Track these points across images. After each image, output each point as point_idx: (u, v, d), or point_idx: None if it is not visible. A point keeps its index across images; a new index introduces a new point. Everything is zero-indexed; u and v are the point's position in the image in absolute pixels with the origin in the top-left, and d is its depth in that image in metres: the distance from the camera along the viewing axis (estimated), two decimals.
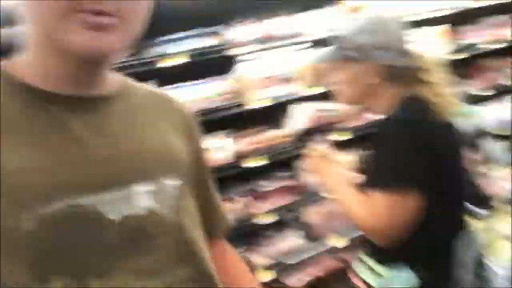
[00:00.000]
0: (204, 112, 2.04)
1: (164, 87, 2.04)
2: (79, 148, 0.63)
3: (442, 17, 2.57)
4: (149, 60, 2.00)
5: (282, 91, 2.22)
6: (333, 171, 1.41)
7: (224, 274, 0.82)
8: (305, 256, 2.25)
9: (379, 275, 1.32)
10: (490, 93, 2.75)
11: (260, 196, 2.23)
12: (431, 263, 1.28)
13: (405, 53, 1.32)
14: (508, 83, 2.81)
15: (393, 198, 1.19)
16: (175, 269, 0.69)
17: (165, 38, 2.08)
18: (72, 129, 0.63)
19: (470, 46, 2.66)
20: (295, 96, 2.23)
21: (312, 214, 2.31)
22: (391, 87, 1.32)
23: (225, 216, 0.90)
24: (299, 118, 2.26)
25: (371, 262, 1.34)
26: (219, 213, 0.89)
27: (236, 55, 2.16)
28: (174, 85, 2.08)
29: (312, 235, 2.30)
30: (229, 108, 2.13)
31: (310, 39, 2.28)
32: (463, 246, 1.33)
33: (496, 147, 2.90)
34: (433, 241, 1.28)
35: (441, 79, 1.32)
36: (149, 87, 0.81)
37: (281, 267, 2.15)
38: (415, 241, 1.24)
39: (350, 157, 1.60)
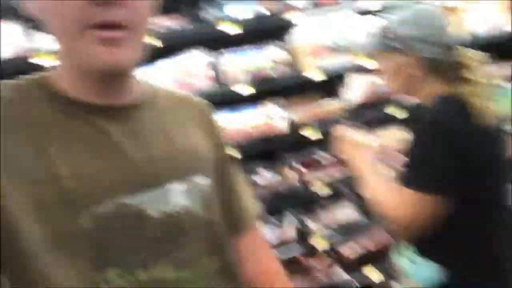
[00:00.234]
0: (260, 81, 2.05)
1: (220, 51, 2.08)
2: (120, 153, 0.69)
3: None
4: (206, 24, 2.01)
5: (339, 61, 2.19)
6: (364, 158, 1.43)
7: (253, 263, 0.89)
8: (359, 228, 2.25)
9: (413, 261, 1.37)
10: None
11: (316, 166, 2.23)
12: (462, 263, 1.30)
13: (448, 48, 1.32)
14: None
15: (422, 198, 1.23)
16: (206, 261, 0.76)
17: (218, 4, 2.08)
18: (111, 136, 0.69)
19: None
20: (352, 67, 2.20)
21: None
22: (434, 80, 1.34)
23: (252, 206, 0.94)
24: (356, 90, 2.25)
25: (410, 249, 1.38)
26: (246, 204, 0.92)
27: (293, 21, 2.14)
28: (230, 50, 2.10)
29: (366, 209, 2.28)
30: (285, 76, 2.12)
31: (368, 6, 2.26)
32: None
33: None
34: (467, 243, 1.30)
35: (484, 78, 1.31)
36: (173, 90, 0.87)
37: (336, 237, 2.13)
38: (449, 241, 1.30)
39: (377, 142, 1.55)
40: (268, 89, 2.12)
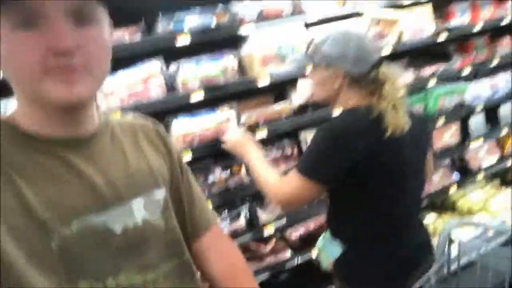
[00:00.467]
0: (213, 88, 2.19)
1: (169, 64, 2.21)
2: (83, 180, 0.79)
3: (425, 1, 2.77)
4: (156, 37, 2.13)
5: (286, 68, 2.33)
6: (252, 149, 1.85)
7: (219, 260, 1.04)
8: (304, 213, 2.48)
9: (325, 239, 1.75)
10: (471, 71, 2.97)
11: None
12: (356, 239, 1.65)
13: (367, 65, 1.54)
14: (488, 60, 3.04)
15: (302, 182, 1.51)
16: (166, 263, 0.89)
17: (171, 15, 2.18)
18: (74, 165, 0.79)
19: (454, 27, 2.85)
20: (298, 73, 2.32)
21: None
22: (353, 94, 1.58)
23: (211, 211, 1.10)
24: (302, 93, 2.45)
25: (328, 231, 1.74)
26: (205, 209, 1.07)
27: (242, 32, 2.27)
28: (179, 61, 2.20)
29: None
30: (236, 83, 2.26)
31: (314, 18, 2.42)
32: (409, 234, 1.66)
33: (478, 121, 3.15)
34: (359, 224, 1.64)
35: (396, 93, 1.54)
36: (124, 116, 0.98)
37: (283, 222, 2.37)
38: (346, 222, 1.67)
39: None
40: (220, 96, 2.27)
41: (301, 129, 2.58)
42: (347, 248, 1.65)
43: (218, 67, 2.28)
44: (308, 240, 2.47)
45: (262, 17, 2.34)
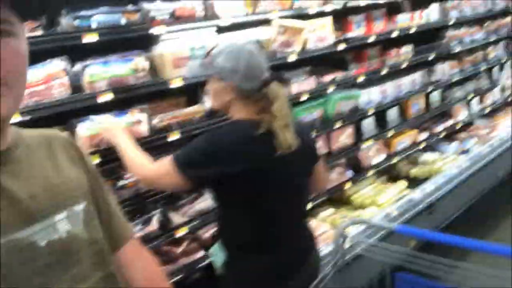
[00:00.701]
0: (120, 90, 2.12)
1: (76, 63, 2.10)
2: (7, 195, 0.79)
3: (328, 12, 2.98)
4: (60, 34, 2.01)
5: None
6: (122, 134, 1.92)
7: (138, 269, 1.08)
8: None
9: (215, 245, 1.84)
10: (365, 78, 3.26)
11: None
12: (234, 245, 1.73)
13: (254, 81, 1.58)
14: (379, 69, 3.37)
15: (171, 168, 1.60)
16: (95, 275, 0.91)
17: (78, 13, 2.07)
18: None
19: (351, 38, 3.11)
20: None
21: None
22: (242, 107, 1.64)
23: (128, 223, 1.14)
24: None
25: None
26: (122, 221, 1.11)
27: (154, 32, 2.24)
28: (87, 61, 2.10)
29: None
30: (147, 84, 2.22)
31: (225, 22, 2.46)
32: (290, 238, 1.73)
33: (369, 123, 3.48)
34: (236, 230, 1.72)
35: (286, 111, 1.58)
36: (36, 130, 0.97)
37: (196, 224, 2.39)
38: (225, 229, 1.76)
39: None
40: (131, 96, 2.20)
41: None
42: (229, 255, 1.73)
43: (128, 67, 2.20)
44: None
45: (174, 18, 2.31)
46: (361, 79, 3.21)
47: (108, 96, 2.10)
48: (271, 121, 1.56)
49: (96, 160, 2.02)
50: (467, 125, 4.57)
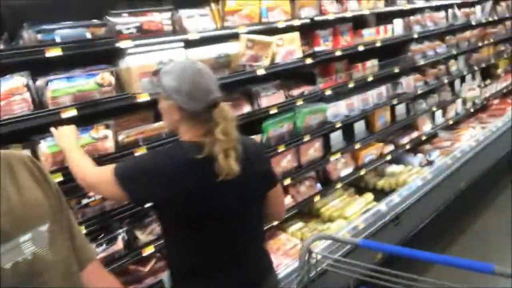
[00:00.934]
0: (85, 105, 2.08)
1: (39, 78, 2.04)
2: None
3: (296, 26, 3.01)
4: (21, 48, 1.95)
5: None
6: (72, 141, 1.93)
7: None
8: None
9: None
10: (332, 92, 3.30)
11: None
12: (177, 267, 1.70)
13: (198, 102, 1.52)
14: (346, 83, 3.43)
15: (110, 177, 1.58)
16: None
17: (41, 27, 2.03)
18: None
19: (318, 52, 3.15)
20: None
21: None
22: (189, 127, 1.58)
23: (89, 244, 1.15)
24: None
25: None
26: (86, 243, 1.11)
27: (120, 46, 2.21)
28: (50, 76, 2.05)
29: None
30: (113, 99, 2.17)
31: (193, 36, 2.45)
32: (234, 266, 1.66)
33: (337, 137, 3.52)
34: (177, 252, 1.68)
35: (229, 136, 1.51)
36: None
37: (163, 243, 2.33)
38: (169, 251, 1.72)
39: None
40: (97, 112, 2.15)
41: None
42: (173, 280, 1.70)
43: (93, 81, 2.16)
44: None
45: (141, 32, 2.29)
46: (328, 92, 3.25)
47: (73, 112, 2.05)
48: (214, 145, 1.49)
49: (59, 178, 1.96)
50: (431, 137, 4.70)
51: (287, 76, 3.11)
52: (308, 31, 3.21)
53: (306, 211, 3.44)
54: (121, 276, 2.26)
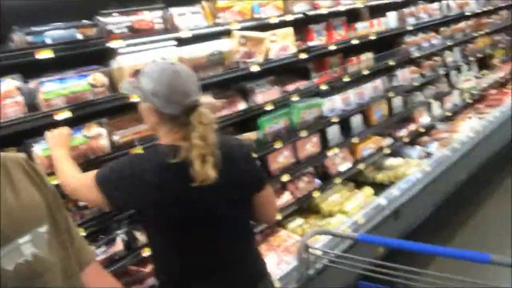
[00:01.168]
0: (80, 105, 2.07)
1: (31, 81, 2.03)
2: None
3: (289, 21, 3.00)
4: (12, 51, 1.94)
5: None
6: (61, 146, 1.91)
7: None
8: None
9: None
10: (328, 86, 3.29)
11: None
12: (160, 271, 1.68)
13: (174, 106, 1.47)
14: (341, 77, 3.42)
15: (91, 182, 1.54)
16: None
17: (32, 29, 2.01)
18: None
19: (312, 47, 3.14)
20: None
21: None
22: (167, 131, 1.53)
23: (88, 246, 1.14)
24: None
25: None
26: (84, 245, 1.11)
27: (111, 46, 2.19)
28: (42, 78, 2.04)
29: None
30: (106, 99, 2.17)
31: (185, 34, 2.43)
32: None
33: (334, 131, 3.51)
34: (160, 256, 1.65)
35: (207, 141, 1.45)
36: None
37: None
38: (153, 254, 1.69)
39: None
40: (90, 113, 2.14)
41: None
42: (159, 285, 1.68)
43: (86, 82, 2.15)
44: None
45: (133, 31, 2.27)
46: (324, 87, 3.24)
47: (66, 114, 2.03)
48: (190, 150, 1.44)
49: (55, 181, 1.95)
50: (429, 129, 4.70)
51: (281, 72, 3.10)
52: (301, 26, 3.20)
53: (305, 207, 3.43)
54: (122, 277, 2.25)
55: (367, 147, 3.78)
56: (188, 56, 2.45)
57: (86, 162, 2.11)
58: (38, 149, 2.02)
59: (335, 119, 3.37)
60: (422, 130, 4.48)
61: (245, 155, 1.65)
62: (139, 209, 1.56)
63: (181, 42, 2.46)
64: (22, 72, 2.02)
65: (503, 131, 4.97)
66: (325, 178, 3.43)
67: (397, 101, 4.17)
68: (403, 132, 4.22)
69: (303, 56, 3.04)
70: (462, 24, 5.12)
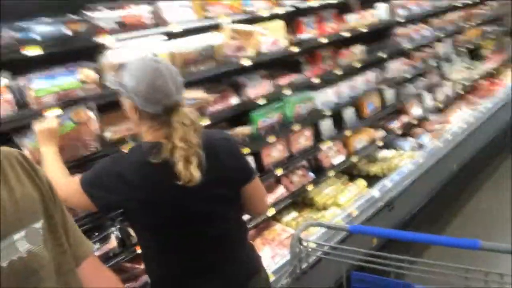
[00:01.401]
0: (70, 103, 2.04)
1: (18, 78, 2.00)
2: None
3: (280, 14, 2.99)
4: (5, 46, 1.89)
5: None
6: (50, 143, 1.85)
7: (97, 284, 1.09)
8: None
9: None
10: (320, 80, 3.28)
11: None
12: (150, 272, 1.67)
13: (155, 105, 1.43)
14: (334, 70, 3.41)
15: (77, 187, 1.52)
16: None
17: (19, 25, 1.97)
18: None
19: (304, 40, 3.13)
20: None
21: None
22: (149, 129, 1.50)
23: (86, 240, 1.12)
24: None
25: None
26: (82, 239, 1.09)
27: (101, 42, 2.16)
28: (30, 76, 2.00)
29: None
30: (96, 96, 2.13)
31: (175, 28, 2.41)
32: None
33: (327, 125, 3.51)
34: (150, 258, 1.64)
35: (189, 142, 1.42)
36: None
37: None
38: (143, 255, 1.67)
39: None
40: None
41: None
42: (151, 285, 1.67)
43: (76, 79, 2.12)
44: None
45: (122, 26, 2.25)
46: (316, 80, 3.23)
47: (57, 111, 2.01)
48: (173, 150, 1.41)
49: None
50: (422, 120, 4.72)
51: (272, 65, 3.09)
52: (291, 19, 3.18)
53: (300, 201, 3.43)
54: (117, 274, 2.23)
55: (360, 140, 3.79)
56: (179, 51, 2.43)
57: (77, 159, 2.09)
58: (28, 145, 1.99)
59: (328, 112, 3.36)
60: (415, 122, 4.50)
61: (229, 149, 1.61)
62: (124, 208, 1.54)
63: (171, 36, 2.44)
64: (10, 69, 1.98)
65: (495, 121, 5.01)
66: (319, 171, 3.44)
67: (389, 94, 4.18)
68: (395, 124, 4.23)
69: (295, 49, 3.03)
70: (453, 15, 5.14)
